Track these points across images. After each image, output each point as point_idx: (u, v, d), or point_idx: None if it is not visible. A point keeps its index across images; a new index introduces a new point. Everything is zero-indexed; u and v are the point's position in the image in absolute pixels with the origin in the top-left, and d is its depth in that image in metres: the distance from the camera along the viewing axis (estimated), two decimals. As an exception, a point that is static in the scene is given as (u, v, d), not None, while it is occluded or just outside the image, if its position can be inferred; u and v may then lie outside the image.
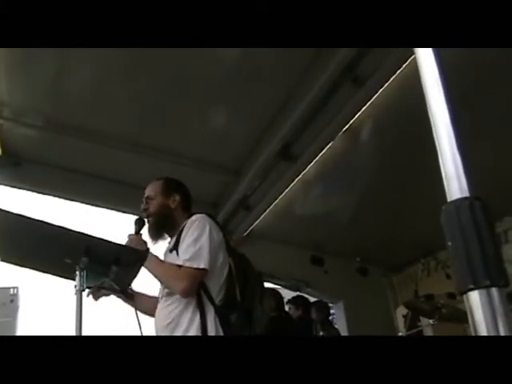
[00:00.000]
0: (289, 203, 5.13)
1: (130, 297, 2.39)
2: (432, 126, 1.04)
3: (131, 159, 4.66)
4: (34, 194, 5.20)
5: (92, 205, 5.45)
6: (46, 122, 4.27)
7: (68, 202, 5.38)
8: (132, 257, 2.04)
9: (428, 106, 1.06)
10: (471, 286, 0.92)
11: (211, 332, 2.13)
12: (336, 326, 5.65)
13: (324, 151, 4.09)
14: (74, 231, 1.83)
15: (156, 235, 2.44)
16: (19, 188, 5.08)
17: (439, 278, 4.96)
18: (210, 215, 2.43)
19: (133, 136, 4.46)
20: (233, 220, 5.46)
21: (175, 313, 2.21)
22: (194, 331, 2.14)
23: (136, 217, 2.46)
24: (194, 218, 2.35)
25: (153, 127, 4.30)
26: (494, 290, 0.91)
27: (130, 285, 2.21)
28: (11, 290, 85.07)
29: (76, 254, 1.84)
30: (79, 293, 1.81)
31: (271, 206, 5.07)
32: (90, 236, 1.85)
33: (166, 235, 2.47)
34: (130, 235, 2.37)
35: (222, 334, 2.15)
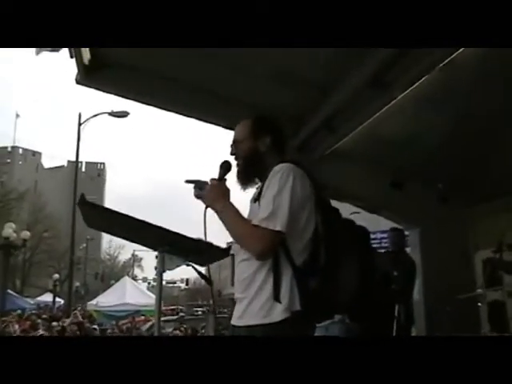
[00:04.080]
0: (375, 126, 4.92)
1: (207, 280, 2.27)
2: None
3: (215, 67, 4.55)
4: (121, 98, 5.28)
5: (173, 111, 5.49)
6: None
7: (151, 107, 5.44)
8: (212, 252, 2.00)
9: None
10: None
11: (284, 296, 1.97)
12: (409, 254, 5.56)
13: (419, 82, 3.80)
14: (157, 227, 1.83)
15: (245, 181, 2.23)
16: (107, 92, 5.16)
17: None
18: (298, 163, 2.14)
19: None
20: (315, 138, 5.34)
21: (252, 269, 2.04)
22: (266, 292, 1.99)
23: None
24: (277, 168, 2.08)
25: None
26: None
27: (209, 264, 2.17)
28: (98, 165, 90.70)
29: (158, 244, 1.88)
30: (159, 274, 1.86)
31: (356, 130, 4.87)
32: (172, 232, 1.84)
33: (257, 180, 2.23)
34: (212, 179, 2.17)
35: (297, 299, 1.98)
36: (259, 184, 2.20)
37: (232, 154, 2.27)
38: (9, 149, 74.76)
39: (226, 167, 2.20)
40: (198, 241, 1.91)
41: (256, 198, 2.14)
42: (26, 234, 19.82)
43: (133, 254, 59.51)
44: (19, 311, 19.06)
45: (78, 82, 4.97)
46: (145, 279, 59.53)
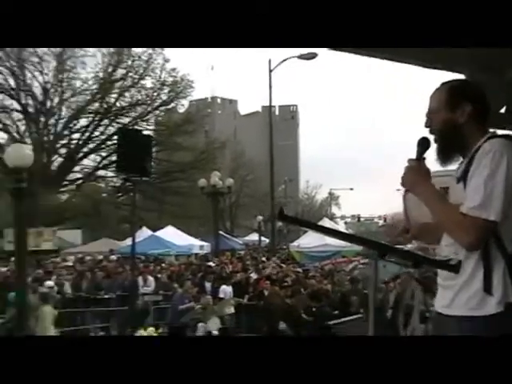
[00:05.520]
0: None
1: None
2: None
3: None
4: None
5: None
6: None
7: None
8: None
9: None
10: None
11: (497, 289, 1.84)
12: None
13: None
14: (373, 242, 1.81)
15: (443, 158, 2.05)
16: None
17: None
18: (509, 137, 1.92)
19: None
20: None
21: (461, 255, 1.91)
22: (477, 283, 1.88)
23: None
24: (487, 145, 1.87)
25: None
26: None
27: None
28: (291, 107, 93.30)
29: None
30: (373, 283, 1.88)
31: None
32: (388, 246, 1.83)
33: (458, 156, 2.04)
34: (409, 160, 2.03)
35: (511, 290, 1.84)
36: (462, 161, 2.02)
37: (427, 126, 2.09)
38: (209, 99, 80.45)
39: (423, 144, 2.04)
40: (418, 256, 1.88)
41: (460, 177, 1.97)
42: (230, 181, 21.37)
43: (329, 193, 60.73)
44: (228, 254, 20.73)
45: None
46: (343, 217, 60.50)
